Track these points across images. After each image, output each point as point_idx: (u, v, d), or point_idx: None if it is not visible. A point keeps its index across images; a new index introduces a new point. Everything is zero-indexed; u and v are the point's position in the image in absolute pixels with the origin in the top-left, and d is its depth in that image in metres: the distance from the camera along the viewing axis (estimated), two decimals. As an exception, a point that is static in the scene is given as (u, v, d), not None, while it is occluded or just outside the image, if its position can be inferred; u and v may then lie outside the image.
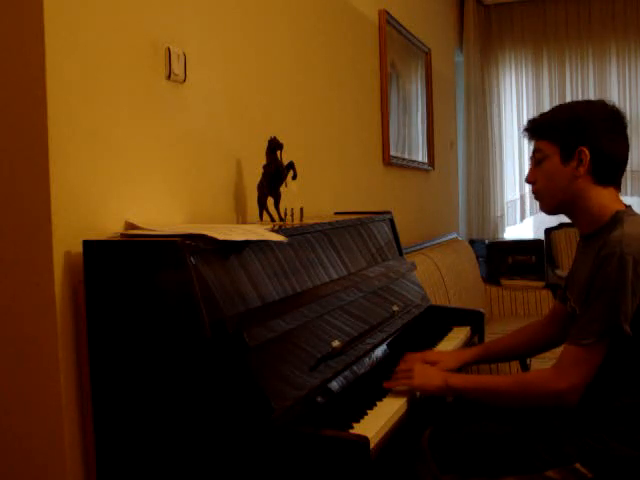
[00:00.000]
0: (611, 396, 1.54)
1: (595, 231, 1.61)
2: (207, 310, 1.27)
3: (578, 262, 1.72)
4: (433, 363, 1.83)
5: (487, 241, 5.09)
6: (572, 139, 1.60)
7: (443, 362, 1.85)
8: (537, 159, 1.67)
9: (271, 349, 1.38)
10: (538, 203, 1.73)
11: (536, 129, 1.69)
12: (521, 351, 1.99)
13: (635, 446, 1.50)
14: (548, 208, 1.70)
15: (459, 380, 1.66)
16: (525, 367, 2.92)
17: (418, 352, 1.89)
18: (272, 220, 1.96)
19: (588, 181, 1.61)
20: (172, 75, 1.72)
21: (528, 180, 1.71)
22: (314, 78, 2.63)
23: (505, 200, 5.54)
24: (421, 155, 4.14)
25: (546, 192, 1.68)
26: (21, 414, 1.40)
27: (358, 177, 3.10)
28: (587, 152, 1.59)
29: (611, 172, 1.63)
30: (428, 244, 3.84)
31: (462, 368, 1.93)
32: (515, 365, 2.94)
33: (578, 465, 1.51)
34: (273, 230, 1.63)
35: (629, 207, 1.64)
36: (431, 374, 1.69)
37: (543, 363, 2.70)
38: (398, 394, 1.62)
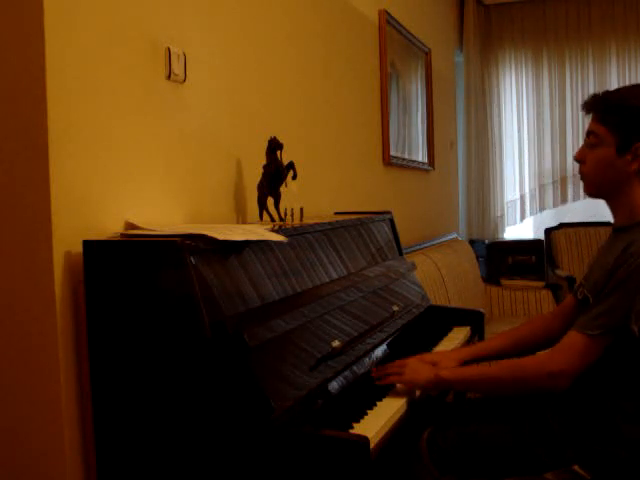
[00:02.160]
0: (612, 398, 1.54)
1: (628, 226, 1.59)
2: (207, 310, 1.27)
3: (602, 252, 1.70)
4: (432, 364, 1.82)
5: (487, 241, 5.09)
6: (634, 133, 1.55)
7: (442, 362, 1.84)
8: (591, 142, 1.62)
9: (271, 349, 1.38)
10: (582, 184, 1.69)
11: (598, 109, 1.62)
12: (521, 347, 1.92)
13: (633, 447, 1.50)
14: (591, 192, 1.67)
15: (449, 372, 1.66)
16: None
17: (416, 355, 1.87)
18: (272, 220, 1.96)
19: (637, 176, 1.58)
20: (172, 75, 1.72)
21: (577, 158, 1.67)
22: (314, 78, 2.63)
23: (505, 200, 5.53)
24: (421, 155, 4.14)
25: (593, 177, 1.64)
26: (21, 414, 1.40)
27: (358, 177, 3.10)
28: None
29: None
30: (428, 244, 3.85)
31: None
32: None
33: (577, 467, 1.51)
34: (273, 230, 1.63)
35: None
36: (421, 369, 1.68)
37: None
38: (398, 394, 1.62)
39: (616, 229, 1.66)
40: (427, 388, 1.68)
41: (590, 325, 1.50)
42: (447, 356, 1.89)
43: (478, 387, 1.68)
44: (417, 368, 1.68)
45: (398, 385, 1.66)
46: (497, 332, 2.12)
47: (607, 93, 1.65)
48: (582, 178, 1.68)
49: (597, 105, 1.63)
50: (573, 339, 1.53)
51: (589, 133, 1.64)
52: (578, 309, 1.68)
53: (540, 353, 1.62)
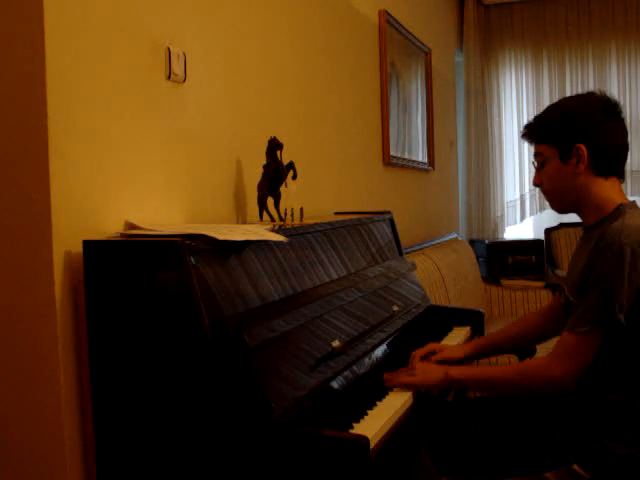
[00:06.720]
0: (611, 398, 1.54)
1: (597, 222, 1.62)
2: (207, 310, 1.27)
3: (577, 253, 1.72)
4: (438, 350, 1.87)
5: (487, 241, 5.09)
6: (567, 138, 1.62)
7: (448, 349, 1.89)
8: (539, 162, 1.70)
9: (271, 349, 1.38)
10: (548, 203, 1.76)
11: (533, 133, 1.72)
12: (521, 341, 1.98)
13: (631, 445, 1.50)
14: (558, 208, 1.73)
15: (458, 371, 1.70)
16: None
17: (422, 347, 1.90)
18: (272, 220, 1.96)
19: (590, 175, 1.62)
20: (172, 75, 1.72)
21: (535, 183, 1.74)
22: (314, 78, 2.63)
23: (505, 200, 5.53)
24: (421, 155, 4.14)
25: (554, 193, 1.70)
26: (21, 414, 1.40)
27: (358, 177, 3.10)
28: (584, 148, 1.60)
29: (611, 162, 1.64)
30: (428, 244, 3.84)
31: (464, 362, 1.93)
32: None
33: (576, 466, 1.51)
34: (273, 230, 1.63)
35: (634, 202, 1.64)
36: (431, 369, 1.71)
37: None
38: (398, 394, 1.61)
39: (586, 228, 1.69)
40: (437, 387, 1.71)
41: (578, 323, 1.52)
42: (452, 347, 1.94)
43: (486, 387, 1.76)
44: (427, 369, 1.71)
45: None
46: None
47: (535, 117, 1.74)
48: (547, 199, 1.75)
49: (532, 131, 1.72)
50: (566, 341, 1.55)
51: (535, 156, 1.72)
52: (564, 311, 1.69)
53: (540, 357, 1.64)
